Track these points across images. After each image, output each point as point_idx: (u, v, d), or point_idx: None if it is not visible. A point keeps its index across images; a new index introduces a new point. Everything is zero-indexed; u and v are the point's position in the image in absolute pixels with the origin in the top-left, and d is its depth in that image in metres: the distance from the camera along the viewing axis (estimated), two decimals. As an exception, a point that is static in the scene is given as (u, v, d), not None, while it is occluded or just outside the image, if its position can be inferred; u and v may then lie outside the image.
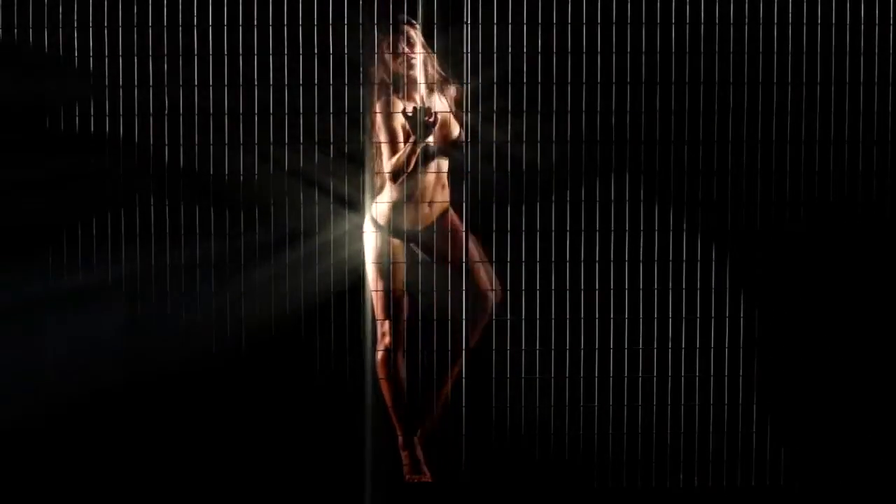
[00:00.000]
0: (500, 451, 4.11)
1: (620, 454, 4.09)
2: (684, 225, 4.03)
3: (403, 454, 4.11)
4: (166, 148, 4.00)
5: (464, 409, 4.04)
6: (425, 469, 4.09)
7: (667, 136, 4.01)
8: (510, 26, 3.95)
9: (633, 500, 4.10)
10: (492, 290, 4.07)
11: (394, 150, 3.97)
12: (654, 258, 4.04)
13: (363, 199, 4.08)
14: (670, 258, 4.04)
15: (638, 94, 4.00)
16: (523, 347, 4.05)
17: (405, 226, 4.05)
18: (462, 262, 4.07)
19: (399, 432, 4.11)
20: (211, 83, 3.96)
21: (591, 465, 4.10)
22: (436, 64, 4.08)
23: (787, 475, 4.11)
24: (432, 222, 4.10)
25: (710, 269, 4.06)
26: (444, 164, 4.10)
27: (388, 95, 4.00)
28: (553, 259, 4.05)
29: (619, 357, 4.08)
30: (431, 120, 3.89)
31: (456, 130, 4.09)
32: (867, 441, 4.20)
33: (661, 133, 4.01)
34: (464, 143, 4.04)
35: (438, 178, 4.09)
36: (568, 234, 4.03)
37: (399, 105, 3.99)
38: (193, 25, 3.96)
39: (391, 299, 4.04)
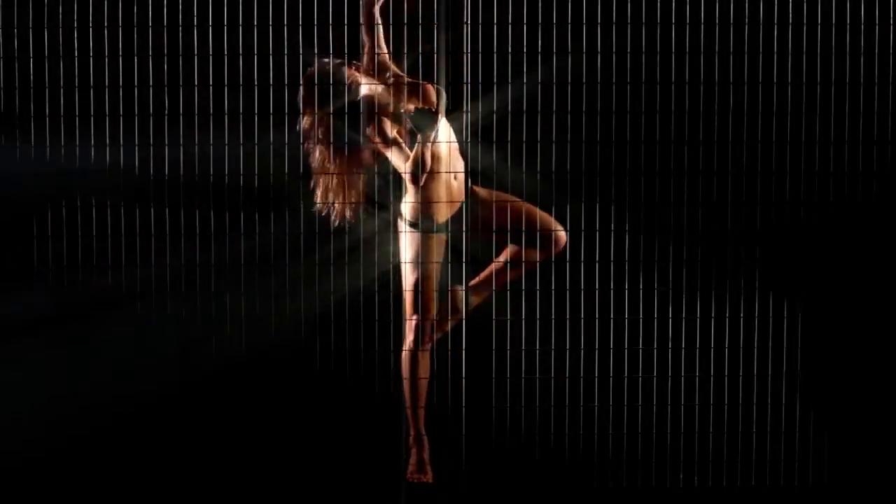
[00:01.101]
0: (500, 451, 4.11)
1: (620, 454, 4.10)
2: (684, 225, 4.03)
3: (412, 451, 4.10)
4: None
5: (464, 409, 4.03)
6: (429, 469, 4.09)
7: (666, 136, 4.01)
8: (510, 26, 3.95)
9: (633, 500, 4.11)
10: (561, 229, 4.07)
11: (402, 153, 3.94)
12: (654, 258, 4.05)
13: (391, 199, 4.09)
14: (670, 258, 4.04)
15: (637, 95, 4.00)
16: (523, 347, 4.05)
17: (440, 218, 4.03)
18: (521, 213, 4.04)
19: (411, 430, 4.10)
20: (211, 83, 3.96)
21: (591, 465, 4.10)
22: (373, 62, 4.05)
23: (787, 475, 4.11)
24: (462, 201, 4.07)
25: (710, 269, 4.07)
26: (451, 132, 4.06)
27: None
28: (553, 259, 4.05)
29: (619, 357, 4.08)
30: (437, 115, 3.87)
31: (433, 96, 4.03)
32: (867, 440, 4.22)
33: (661, 134, 4.01)
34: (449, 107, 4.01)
35: (450, 146, 4.05)
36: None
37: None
38: (194, 25, 3.96)
39: (420, 298, 4.03)
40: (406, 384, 4.08)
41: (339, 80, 3.98)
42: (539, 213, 4.06)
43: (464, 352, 4.04)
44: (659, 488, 4.10)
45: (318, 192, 4.05)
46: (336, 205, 4.05)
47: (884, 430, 4.24)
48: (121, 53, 3.97)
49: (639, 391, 4.09)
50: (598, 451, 4.10)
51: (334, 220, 4.04)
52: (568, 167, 3.99)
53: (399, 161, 3.97)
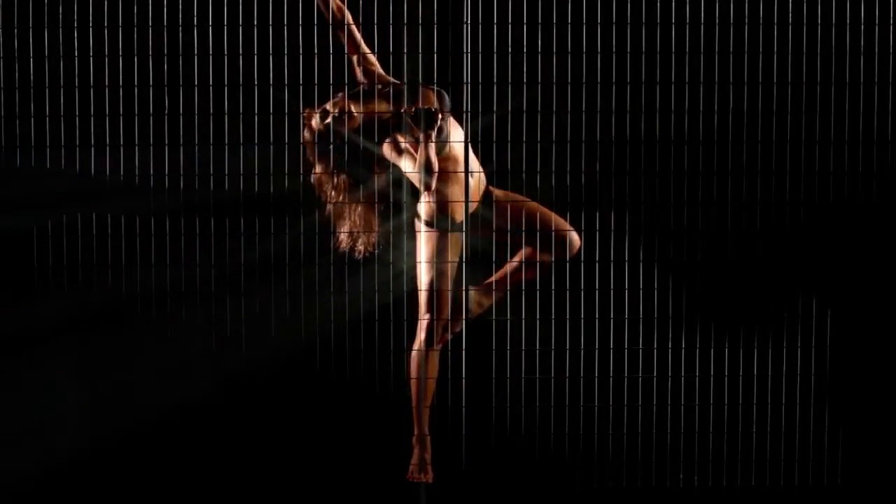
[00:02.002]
0: (500, 451, 4.12)
1: (620, 454, 4.10)
2: (684, 225, 4.03)
3: (414, 451, 4.09)
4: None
5: (464, 409, 4.04)
6: (430, 469, 4.09)
7: (666, 136, 4.01)
8: (510, 26, 3.95)
9: (633, 500, 4.11)
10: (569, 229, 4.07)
11: (414, 162, 3.92)
12: (654, 259, 4.05)
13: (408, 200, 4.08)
14: (670, 258, 4.04)
15: (637, 95, 4.00)
16: (523, 347, 4.05)
17: (457, 217, 4.02)
18: (530, 217, 4.04)
19: (415, 430, 4.09)
20: (211, 83, 3.96)
21: (591, 465, 4.10)
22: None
23: (787, 475, 4.12)
24: (478, 201, 4.06)
25: (710, 269, 4.08)
26: (459, 132, 4.04)
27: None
28: (553, 259, 4.05)
29: (619, 357, 4.08)
30: (439, 116, 3.86)
31: (433, 99, 4.02)
32: (868, 440, 4.23)
33: (661, 133, 4.01)
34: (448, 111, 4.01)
35: (462, 148, 4.03)
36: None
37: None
38: (194, 25, 3.96)
39: (434, 298, 4.02)
40: (413, 384, 4.07)
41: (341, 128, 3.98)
42: (554, 216, 4.05)
43: (464, 352, 4.04)
44: (659, 488, 4.11)
45: (342, 234, 4.05)
46: (360, 239, 4.04)
47: (883, 429, 4.25)
48: (121, 53, 3.97)
49: (639, 391, 4.09)
50: (598, 451, 4.10)
51: (359, 254, 4.04)
52: (567, 168, 3.99)
53: (411, 169, 3.94)
